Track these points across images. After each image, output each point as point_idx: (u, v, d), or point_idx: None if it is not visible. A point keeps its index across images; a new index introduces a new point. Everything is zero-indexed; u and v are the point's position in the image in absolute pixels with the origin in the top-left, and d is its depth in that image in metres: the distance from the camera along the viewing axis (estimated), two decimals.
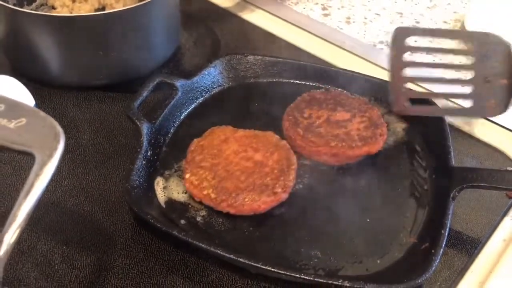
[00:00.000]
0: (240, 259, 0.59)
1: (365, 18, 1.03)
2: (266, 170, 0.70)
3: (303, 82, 0.93)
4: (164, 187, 0.71)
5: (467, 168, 0.69)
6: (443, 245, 0.60)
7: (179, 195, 0.71)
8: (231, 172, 0.70)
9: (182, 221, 0.64)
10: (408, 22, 1.02)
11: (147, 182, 0.71)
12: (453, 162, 0.73)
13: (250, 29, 1.00)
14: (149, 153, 0.73)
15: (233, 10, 1.03)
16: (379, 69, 0.94)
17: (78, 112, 0.77)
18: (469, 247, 0.64)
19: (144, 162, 0.72)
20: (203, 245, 0.60)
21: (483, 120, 0.88)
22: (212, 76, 0.89)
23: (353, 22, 1.02)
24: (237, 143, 0.75)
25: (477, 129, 0.87)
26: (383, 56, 0.84)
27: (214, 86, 0.90)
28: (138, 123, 0.74)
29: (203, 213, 0.65)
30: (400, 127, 0.85)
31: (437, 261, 0.59)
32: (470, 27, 0.90)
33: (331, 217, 0.65)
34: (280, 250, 0.63)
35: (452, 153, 0.74)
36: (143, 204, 0.66)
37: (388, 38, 0.78)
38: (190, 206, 0.66)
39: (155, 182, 0.72)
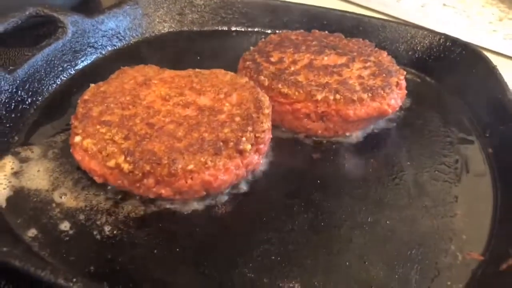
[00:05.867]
0: None
1: None
2: (222, 118, 0.40)
3: (268, 31, 0.63)
4: (15, 173, 0.38)
5: None
6: None
7: (39, 183, 0.38)
8: (158, 126, 0.38)
9: (33, 232, 0.32)
10: None
11: None
12: None
13: None
14: None
15: None
16: None
17: None
18: None
19: None
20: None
21: None
22: (132, 18, 0.58)
23: None
24: (166, 85, 0.43)
25: None
26: None
27: (135, 34, 0.58)
28: None
29: (79, 215, 0.39)
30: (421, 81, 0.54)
31: None
32: None
33: (319, 223, 0.39)
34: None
35: None
36: None
37: None
38: (56, 204, 0.40)
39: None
